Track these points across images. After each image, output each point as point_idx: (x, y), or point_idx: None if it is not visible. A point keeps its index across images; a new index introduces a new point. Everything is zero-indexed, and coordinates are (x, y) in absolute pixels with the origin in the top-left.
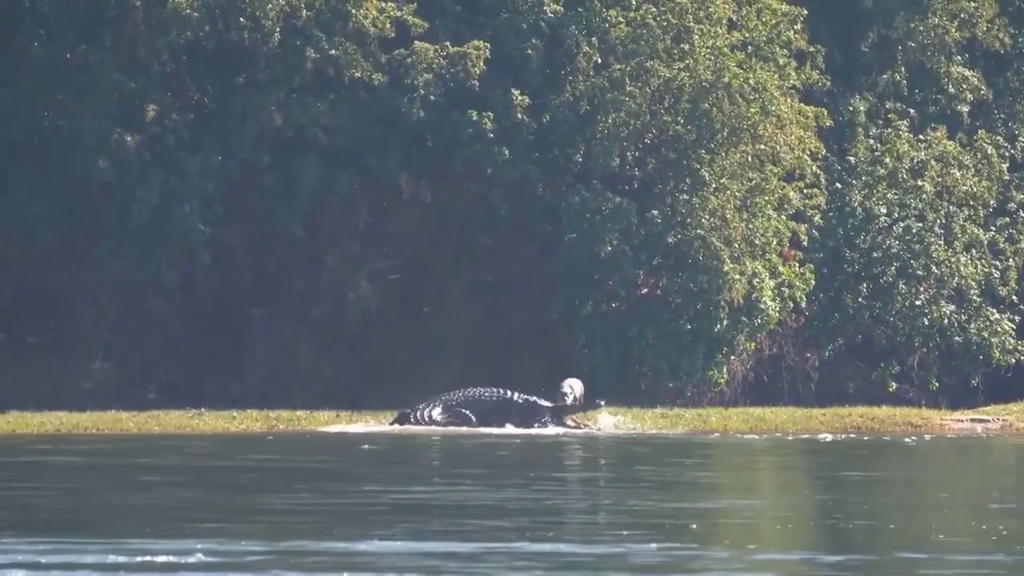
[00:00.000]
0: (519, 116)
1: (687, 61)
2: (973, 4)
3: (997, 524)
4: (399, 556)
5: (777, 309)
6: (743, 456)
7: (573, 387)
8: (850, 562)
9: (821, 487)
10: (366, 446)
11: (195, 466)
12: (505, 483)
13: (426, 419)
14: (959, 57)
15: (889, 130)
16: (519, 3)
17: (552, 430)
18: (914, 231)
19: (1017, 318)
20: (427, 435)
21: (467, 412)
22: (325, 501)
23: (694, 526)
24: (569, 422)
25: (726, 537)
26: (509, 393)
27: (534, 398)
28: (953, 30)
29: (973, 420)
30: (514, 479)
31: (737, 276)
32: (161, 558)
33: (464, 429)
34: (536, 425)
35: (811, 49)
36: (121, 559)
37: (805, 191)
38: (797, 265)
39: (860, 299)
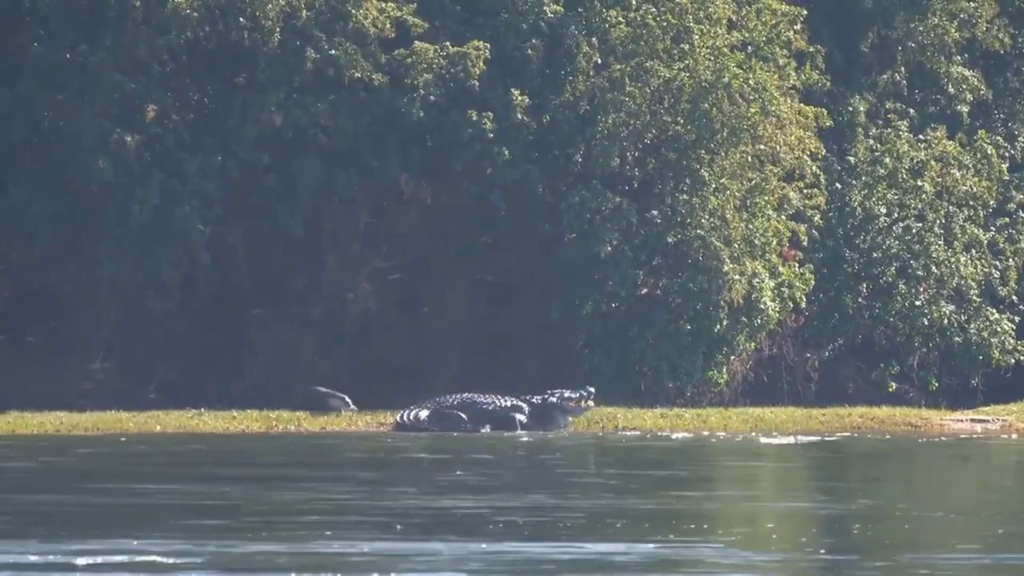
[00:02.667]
0: (519, 116)
1: (687, 61)
2: (973, 4)
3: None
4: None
5: (777, 309)
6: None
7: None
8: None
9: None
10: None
11: None
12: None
13: (411, 420)
14: (959, 57)
15: (889, 130)
16: (519, 3)
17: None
18: (914, 231)
19: (1017, 318)
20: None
21: (459, 414)
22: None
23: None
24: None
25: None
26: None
27: (512, 400)
28: (953, 30)
29: (973, 420)
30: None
31: (737, 276)
32: None
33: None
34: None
35: (811, 49)
36: None
37: (805, 191)
38: (797, 265)
39: (860, 299)
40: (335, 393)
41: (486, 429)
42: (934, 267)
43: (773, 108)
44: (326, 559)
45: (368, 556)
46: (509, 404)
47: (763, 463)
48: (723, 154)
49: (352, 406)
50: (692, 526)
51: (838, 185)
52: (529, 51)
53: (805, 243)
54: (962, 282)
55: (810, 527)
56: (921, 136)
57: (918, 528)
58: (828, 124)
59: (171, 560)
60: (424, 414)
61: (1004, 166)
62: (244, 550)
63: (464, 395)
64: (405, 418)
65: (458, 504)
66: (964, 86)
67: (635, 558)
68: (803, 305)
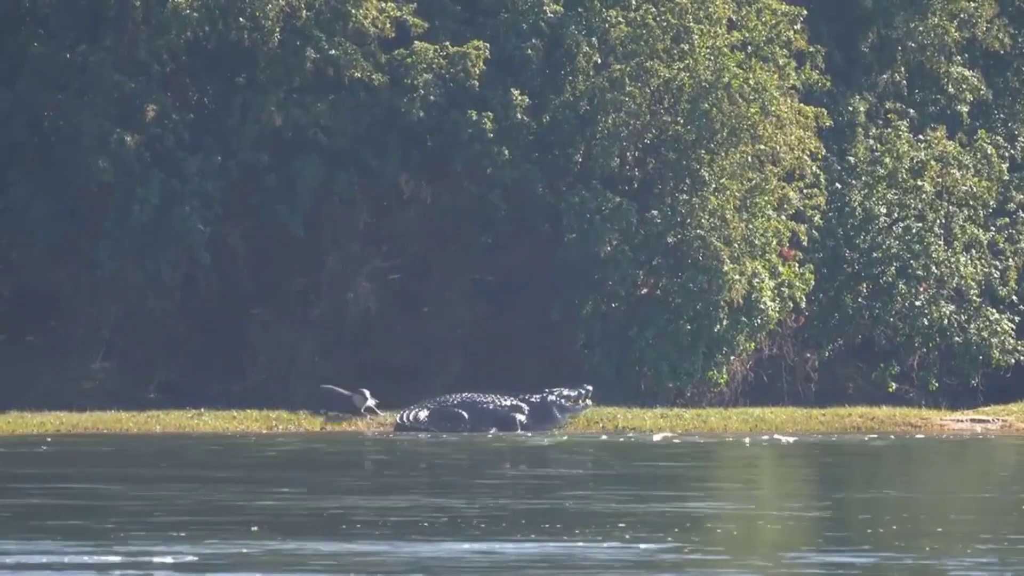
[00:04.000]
0: (519, 116)
1: (687, 61)
2: (973, 4)
3: None
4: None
5: (777, 309)
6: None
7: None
8: None
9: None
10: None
11: None
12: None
13: (411, 420)
14: (959, 57)
15: (889, 130)
16: (519, 3)
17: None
18: (914, 231)
19: (1017, 318)
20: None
21: (461, 412)
22: None
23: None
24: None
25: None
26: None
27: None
28: (953, 30)
29: (973, 420)
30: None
31: (737, 276)
32: None
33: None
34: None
35: (811, 49)
36: None
37: (805, 191)
38: (797, 265)
39: (860, 299)
40: (343, 391)
41: (493, 431)
42: (934, 267)
43: (773, 108)
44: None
45: (211, 558)
46: (510, 404)
47: (704, 463)
48: (723, 154)
49: (370, 401)
50: (523, 523)
51: (838, 185)
52: (529, 51)
53: (805, 243)
54: (962, 282)
55: (671, 524)
56: (921, 136)
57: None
58: (828, 124)
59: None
60: (424, 414)
61: (1004, 166)
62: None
63: (464, 395)
64: (405, 419)
65: (315, 504)
66: (964, 86)
67: (404, 556)
68: (803, 305)
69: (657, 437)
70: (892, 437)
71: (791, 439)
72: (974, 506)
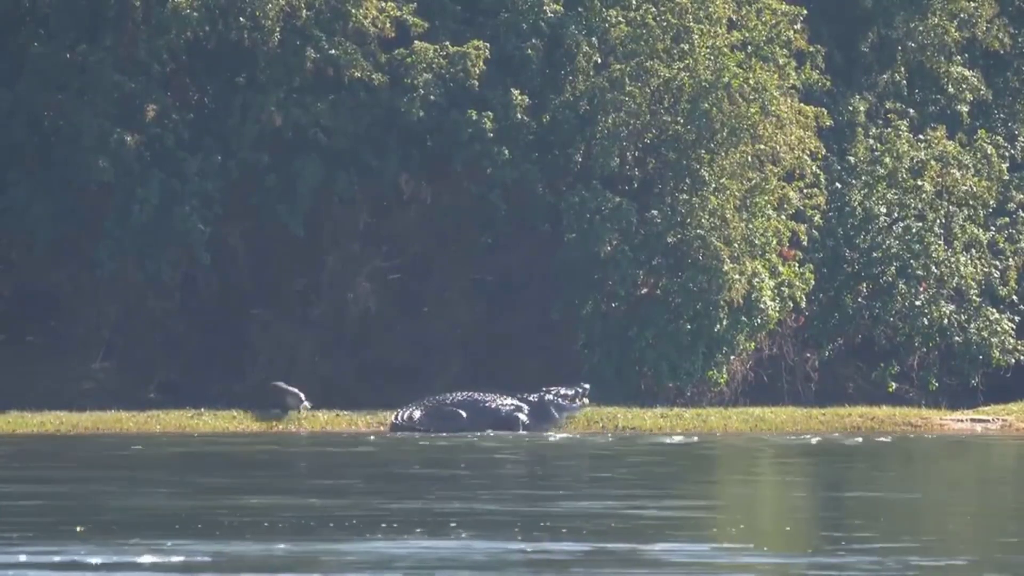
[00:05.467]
0: (519, 116)
1: (687, 61)
2: (973, 4)
3: None
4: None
5: (777, 309)
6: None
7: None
8: None
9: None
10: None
11: None
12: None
13: (405, 420)
14: (959, 57)
15: (889, 130)
16: (519, 3)
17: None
18: (914, 231)
19: (1017, 318)
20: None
21: (459, 411)
22: None
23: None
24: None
25: None
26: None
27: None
28: (953, 30)
29: (973, 420)
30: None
31: (737, 276)
32: None
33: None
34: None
35: (811, 49)
36: None
37: (805, 191)
38: (797, 265)
39: (860, 299)
40: (290, 389)
41: (488, 433)
42: (934, 267)
43: (773, 108)
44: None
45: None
46: (510, 403)
47: (647, 460)
48: (723, 154)
49: (306, 403)
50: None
51: (838, 185)
52: (529, 51)
53: (805, 243)
54: (962, 282)
55: (552, 521)
56: (921, 136)
57: None
58: (828, 124)
59: None
60: (418, 414)
61: (1004, 166)
62: None
63: (464, 394)
64: (399, 418)
65: (230, 504)
66: (964, 86)
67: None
68: (803, 305)
69: (674, 439)
70: (889, 439)
71: (816, 439)
72: (969, 507)
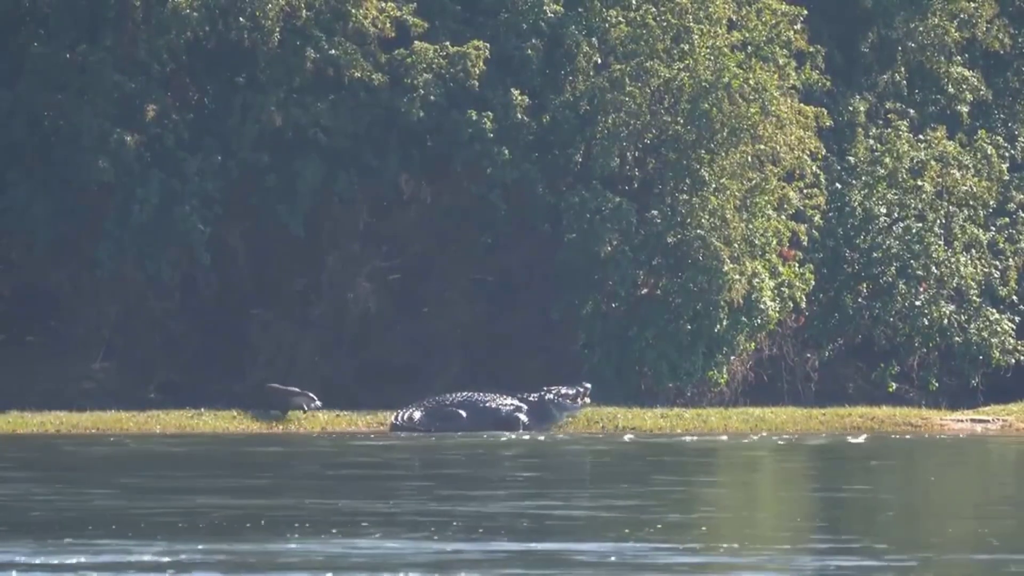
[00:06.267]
0: (519, 116)
1: (687, 61)
2: (973, 4)
3: None
4: None
5: (777, 309)
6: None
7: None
8: None
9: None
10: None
11: None
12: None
13: (405, 421)
14: (959, 57)
15: (889, 130)
16: (519, 3)
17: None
18: (914, 231)
19: (1017, 318)
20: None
21: (459, 411)
22: None
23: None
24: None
25: None
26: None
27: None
28: (953, 30)
29: (973, 420)
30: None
31: (737, 276)
32: None
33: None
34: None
35: (811, 49)
36: None
37: (805, 191)
38: (797, 265)
39: (860, 299)
40: (298, 391)
41: (486, 435)
42: (934, 267)
43: (773, 108)
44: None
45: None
46: (510, 403)
47: (594, 461)
48: (723, 154)
49: (317, 402)
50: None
51: (838, 185)
52: (529, 51)
53: (805, 243)
54: (962, 282)
55: (513, 520)
56: (921, 136)
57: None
58: (828, 124)
59: None
60: (418, 415)
61: (1004, 166)
62: None
63: (464, 394)
64: (399, 419)
65: (170, 504)
66: (964, 86)
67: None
68: (803, 305)
69: (690, 439)
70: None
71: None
72: (965, 508)
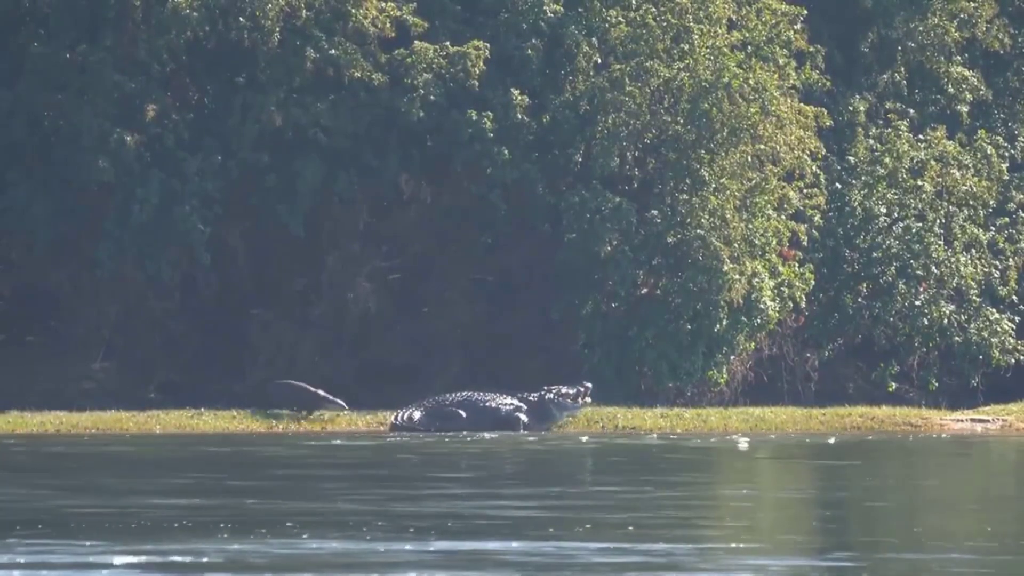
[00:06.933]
0: (519, 116)
1: (687, 61)
2: (973, 4)
3: None
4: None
5: (777, 309)
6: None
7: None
8: None
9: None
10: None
11: None
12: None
13: (405, 421)
14: (959, 57)
15: (889, 130)
16: (519, 3)
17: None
18: (914, 231)
19: (1017, 318)
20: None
21: (459, 411)
22: None
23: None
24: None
25: None
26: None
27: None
28: (953, 30)
29: (973, 420)
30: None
31: (737, 276)
32: None
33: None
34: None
35: (811, 49)
36: None
37: (805, 191)
38: (797, 265)
39: (860, 299)
40: (328, 396)
41: (488, 435)
42: (934, 267)
43: (773, 108)
44: None
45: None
46: (510, 403)
47: (555, 460)
48: (723, 154)
49: (346, 409)
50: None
51: (838, 185)
52: (529, 51)
53: (805, 243)
54: (962, 282)
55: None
56: (921, 136)
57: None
58: (828, 124)
59: None
60: (417, 415)
61: (1004, 166)
62: None
63: (464, 394)
64: (399, 419)
65: (105, 503)
66: (964, 86)
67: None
68: (803, 305)
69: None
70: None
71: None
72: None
